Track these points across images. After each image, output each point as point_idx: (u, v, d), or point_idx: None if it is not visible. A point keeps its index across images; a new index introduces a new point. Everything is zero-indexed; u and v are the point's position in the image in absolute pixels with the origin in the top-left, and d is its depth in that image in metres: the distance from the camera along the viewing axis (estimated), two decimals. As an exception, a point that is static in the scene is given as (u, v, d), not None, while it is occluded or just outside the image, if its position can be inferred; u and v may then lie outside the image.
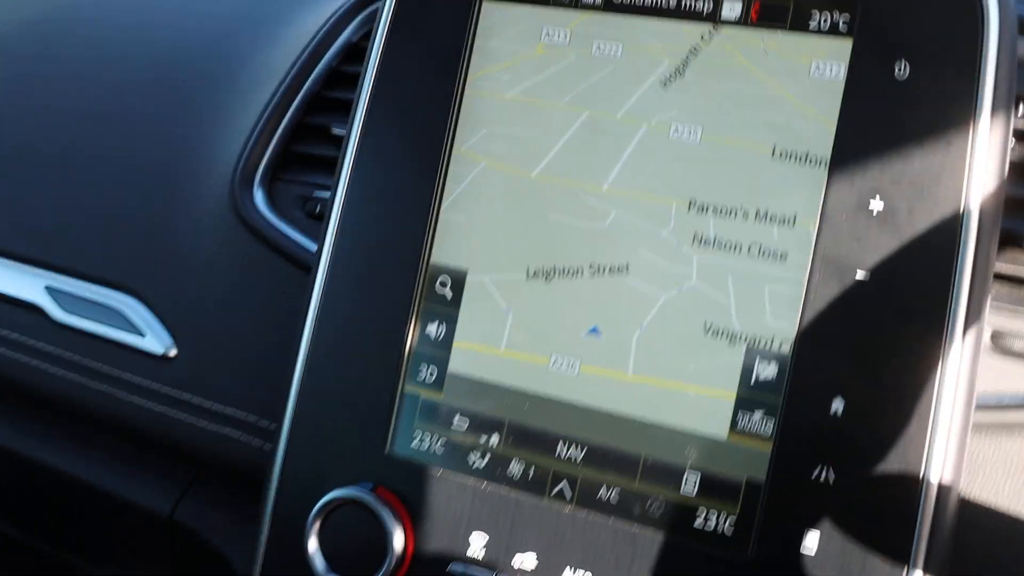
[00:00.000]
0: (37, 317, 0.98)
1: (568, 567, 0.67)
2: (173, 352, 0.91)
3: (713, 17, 0.68)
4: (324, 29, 0.96)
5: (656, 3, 0.69)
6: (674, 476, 0.66)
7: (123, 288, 0.94)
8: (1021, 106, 0.73)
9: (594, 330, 0.68)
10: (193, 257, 0.92)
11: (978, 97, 0.61)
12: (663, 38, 0.69)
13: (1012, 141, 0.65)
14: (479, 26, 0.73)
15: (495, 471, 0.70)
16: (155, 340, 0.92)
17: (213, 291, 0.91)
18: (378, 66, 0.75)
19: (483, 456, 0.70)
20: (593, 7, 0.70)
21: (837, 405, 0.62)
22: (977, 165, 0.61)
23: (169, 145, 0.98)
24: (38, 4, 1.18)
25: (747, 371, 0.65)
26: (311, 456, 0.74)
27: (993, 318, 0.71)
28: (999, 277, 0.72)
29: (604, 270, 0.68)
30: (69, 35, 1.12)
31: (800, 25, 0.65)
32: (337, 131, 0.92)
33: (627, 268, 0.68)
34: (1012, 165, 0.72)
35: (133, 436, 0.95)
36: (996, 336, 0.70)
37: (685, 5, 0.68)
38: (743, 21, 0.67)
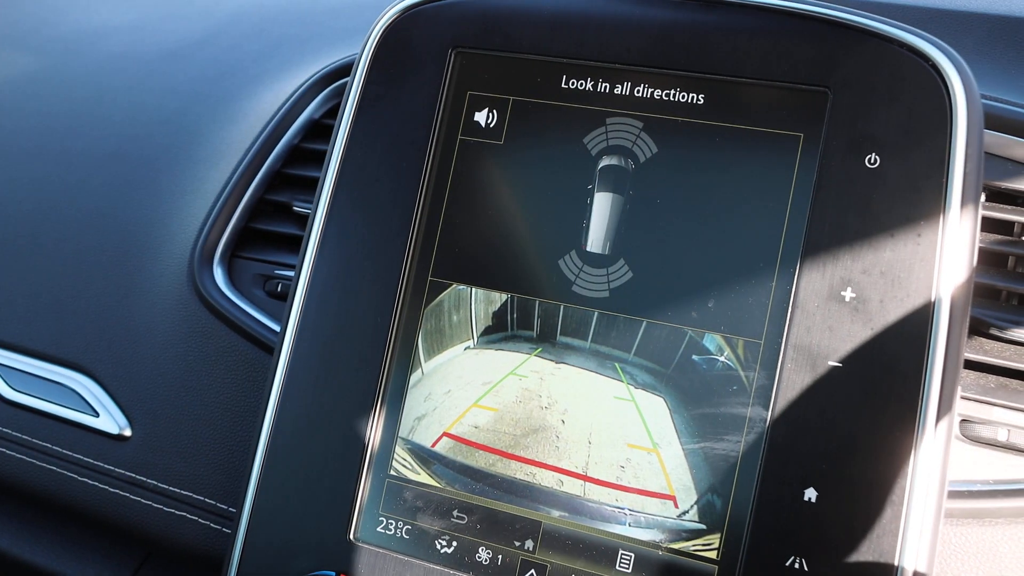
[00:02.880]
0: (-15, 395, 0.96)
1: (537, 657, 0.66)
2: (128, 432, 0.89)
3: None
4: (286, 106, 0.95)
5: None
6: (645, 563, 0.65)
7: (76, 366, 0.93)
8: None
9: (563, 422, 0.68)
10: (150, 335, 0.90)
11: (947, 187, 0.61)
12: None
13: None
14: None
15: (462, 558, 0.69)
16: (109, 420, 0.90)
17: (170, 370, 0.89)
18: (345, 146, 0.75)
19: (450, 543, 0.69)
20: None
21: (810, 493, 0.62)
22: (947, 255, 0.61)
23: (125, 220, 0.96)
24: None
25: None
26: (272, 541, 0.72)
27: (961, 405, 0.71)
28: (967, 364, 0.72)
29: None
30: (20, 108, 1.11)
31: (772, 117, 0.66)
32: (299, 209, 0.91)
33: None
34: (980, 253, 0.73)
35: (84, 517, 0.92)
36: (964, 423, 0.71)
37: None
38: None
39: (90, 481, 0.90)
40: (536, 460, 0.68)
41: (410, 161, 0.73)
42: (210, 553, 0.85)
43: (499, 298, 0.70)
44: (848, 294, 0.63)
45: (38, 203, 1.01)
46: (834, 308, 0.63)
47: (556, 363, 0.69)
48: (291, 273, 0.89)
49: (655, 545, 0.65)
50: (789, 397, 0.63)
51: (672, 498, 0.66)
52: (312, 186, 0.91)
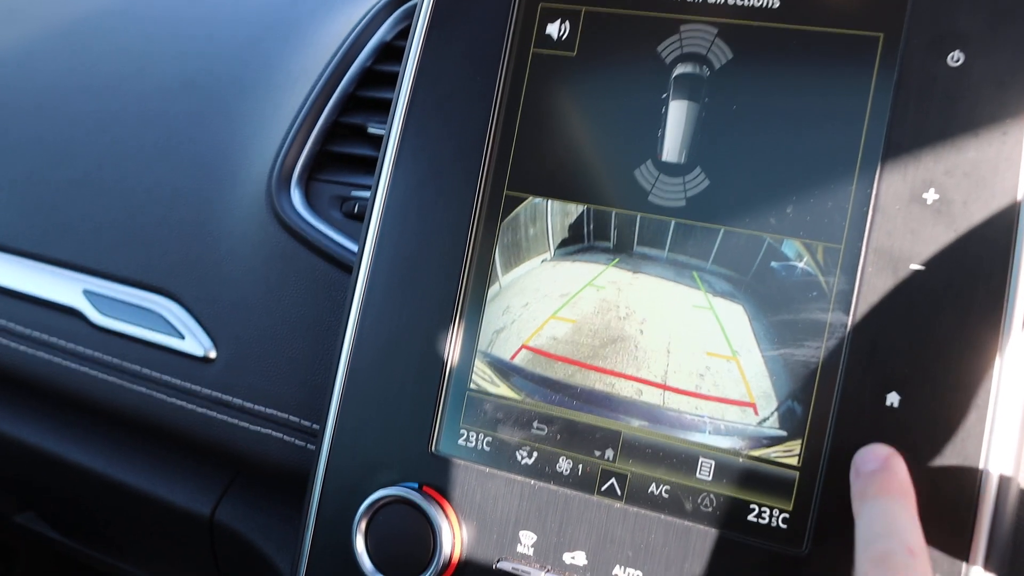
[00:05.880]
0: (76, 321, 0.98)
1: (618, 565, 0.67)
2: (213, 354, 0.91)
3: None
4: (357, 29, 0.96)
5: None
6: (726, 470, 0.66)
7: (162, 291, 0.95)
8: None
9: (642, 332, 0.68)
10: (231, 259, 0.92)
11: (1033, 84, 0.60)
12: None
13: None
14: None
15: (543, 469, 0.70)
16: (194, 342, 0.92)
17: (251, 292, 0.91)
18: (417, 64, 0.75)
19: (530, 454, 0.70)
20: None
21: (892, 398, 0.61)
22: (1033, 154, 0.60)
23: (203, 148, 0.98)
24: (66, 15, 1.18)
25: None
26: (355, 456, 0.73)
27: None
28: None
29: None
30: (100, 43, 1.13)
31: (851, 17, 0.65)
32: (374, 130, 0.92)
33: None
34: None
35: (173, 437, 0.95)
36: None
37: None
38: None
39: (177, 402, 0.93)
40: (615, 370, 0.69)
41: (483, 76, 0.73)
42: (296, 469, 0.87)
43: (575, 210, 0.70)
44: (931, 196, 0.62)
45: (119, 135, 1.03)
46: (916, 210, 0.62)
47: (633, 273, 0.69)
48: (367, 194, 0.89)
49: (735, 452, 0.66)
50: (870, 301, 0.62)
51: (752, 405, 0.66)
52: (386, 108, 0.91)
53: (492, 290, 0.72)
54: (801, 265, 0.65)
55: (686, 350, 0.67)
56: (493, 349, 0.72)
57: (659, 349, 0.68)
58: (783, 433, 0.65)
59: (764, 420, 0.65)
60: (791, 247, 0.65)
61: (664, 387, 0.67)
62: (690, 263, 0.67)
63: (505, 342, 0.71)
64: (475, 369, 0.72)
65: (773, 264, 0.65)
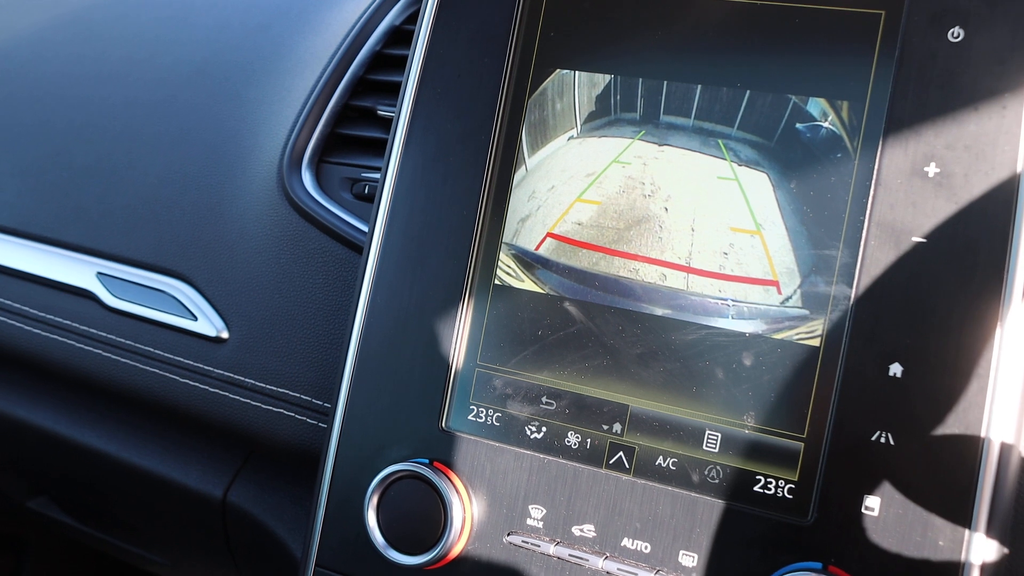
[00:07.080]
0: (89, 303, 1.00)
1: (626, 537, 0.68)
2: (225, 335, 0.92)
3: None
4: (367, 13, 0.97)
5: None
6: (732, 442, 0.67)
7: (174, 273, 0.96)
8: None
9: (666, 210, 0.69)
10: (243, 240, 0.93)
11: (1033, 59, 0.61)
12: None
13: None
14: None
15: (552, 443, 0.71)
16: (207, 323, 0.93)
17: (263, 273, 0.91)
18: (427, 46, 0.76)
19: (539, 428, 0.71)
20: None
21: (895, 369, 0.62)
22: (1033, 127, 0.61)
23: (214, 132, 0.99)
24: (78, 2, 1.19)
25: (804, 337, 0.66)
26: (367, 433, 0.74)
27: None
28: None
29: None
30: (112, 28, 1.13)
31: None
32: (383, 112, 0.93)
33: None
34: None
35: (186, 418, 0.96)
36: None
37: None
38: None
39: (190, 382, 0.94)
40: (639, 255, 0.69)
41: (492, 56, 0.74)
42: (307, 448, 0.88)
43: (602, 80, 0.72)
44: (932, 169, 0.62)
45: (131, 121, 1.04)
46: (917, 184, 0.63)
47: (659, 146, 0.69)
48: (377, 175, 0.90)
49: (758, 336, 0.66)
50: (873, 274, 0.63)
51: (775, 283, 0.66)
52: (395, 91, 0.93)
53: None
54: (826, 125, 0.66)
55: (710, 227, 0.68)
56: (518, 240, 0.72)
57: (683, 228, 0.68)
58: (806, 312, 0.65)
59: (787, 299, 0.66)
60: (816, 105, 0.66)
61: (688, 269, 0.68)
62: (716, 130, 0.68)
63: (530, 231, 0.72)
64: (500, 264, 0.72)
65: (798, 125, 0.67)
